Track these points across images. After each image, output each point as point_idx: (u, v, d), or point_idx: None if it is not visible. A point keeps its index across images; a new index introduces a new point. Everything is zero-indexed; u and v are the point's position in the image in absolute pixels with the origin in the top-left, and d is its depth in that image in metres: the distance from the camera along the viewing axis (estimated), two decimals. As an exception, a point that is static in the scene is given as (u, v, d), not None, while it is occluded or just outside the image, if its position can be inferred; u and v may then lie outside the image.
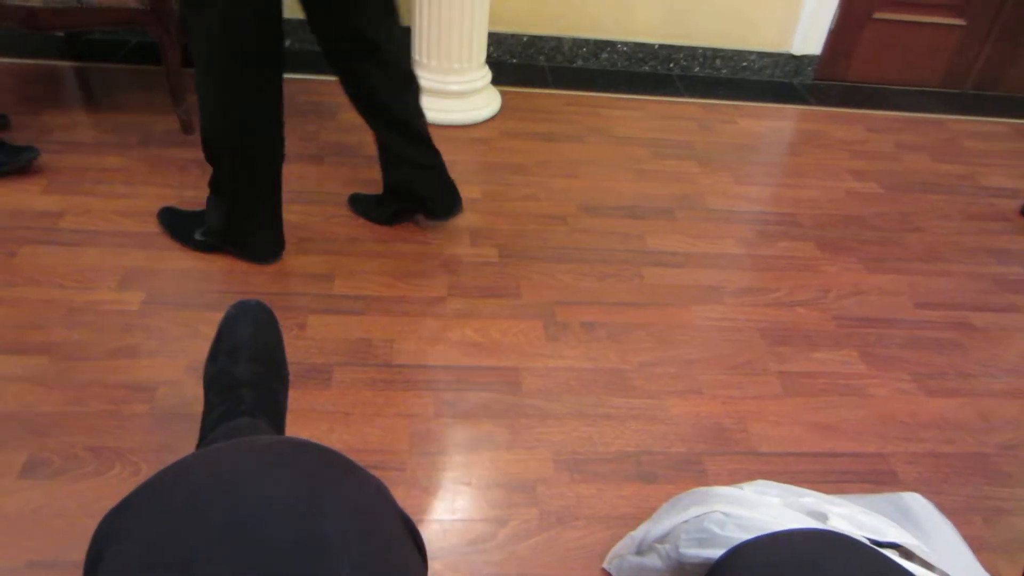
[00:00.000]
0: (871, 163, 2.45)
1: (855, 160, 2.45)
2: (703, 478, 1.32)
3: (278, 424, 1.11)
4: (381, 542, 0.53)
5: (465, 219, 1.92)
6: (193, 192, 1.89)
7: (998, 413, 1.54)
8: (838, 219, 2.12)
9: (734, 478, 1.32)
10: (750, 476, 1.33)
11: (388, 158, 1.75)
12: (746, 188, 2.22)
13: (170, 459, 1.26)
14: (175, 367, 1.42)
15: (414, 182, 1.76)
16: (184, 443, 1.27)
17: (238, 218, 1.64)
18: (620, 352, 1.57)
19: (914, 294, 1.86)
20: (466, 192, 2.03)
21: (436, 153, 1.74)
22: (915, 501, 1.27)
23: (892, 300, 1.83)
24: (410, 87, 1.65)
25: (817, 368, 1.59)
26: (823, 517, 0.89)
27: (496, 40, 2.80)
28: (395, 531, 0.56)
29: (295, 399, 1.38)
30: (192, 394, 1.36)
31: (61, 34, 2.60)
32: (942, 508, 1.27)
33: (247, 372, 1.09)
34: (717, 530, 0.88)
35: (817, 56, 2.95)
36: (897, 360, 1.64)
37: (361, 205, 1.89)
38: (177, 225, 1.75)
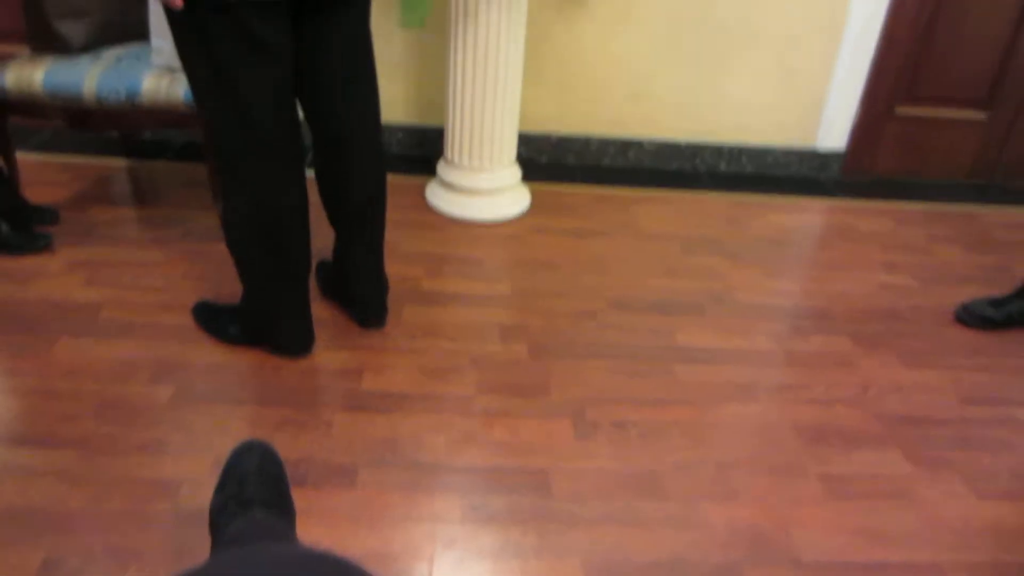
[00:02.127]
0: (903, 256, 2.42)
1: (886, 253, 2.43)
2: (743, 589, 1.26)
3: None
4: None
5: (494, 315, 1.92)
6: (229, 287, 1.93)
7: (1056, 520, 1.45)
8: (872, 313, 2.09)
9: (776, 589, 1.26)
10: (793, 587, 1.26)
11: (339, 253, 1.80)
12: (777, 283, 2.20)
13: (187, 563, 1.24)
14: (200, 463, 1.41)
15: (350, 284, 1.81)
16: (203, 547, 1.24)
17: (267, 312, 1.65)
18: (653, 452, 1.53)
19: (958, 390, 1.80)
20: (495, 288, 2.04)
21: (382, 276, 1.81)
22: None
23: (935, 397, 1.77)
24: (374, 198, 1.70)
25: (860, 470, 1.53)
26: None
27: (526, 140, 2.87)
28: None
29: (319, 500, 1.35)
30: (216, 493, 1.34)
31: (115, 134, 2.72)
32: (1003, 626, 1.19)
33: (257, 494, 1.09)
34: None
35: (842, 151, 2.97)
36: (945, 461, 1.57)
37: (321, 272, 1.95)
38: (211, 319, 1.77)
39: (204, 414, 1.52)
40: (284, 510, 1.14)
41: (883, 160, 3.02)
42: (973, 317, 2.05)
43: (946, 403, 1.75)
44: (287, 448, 1.45)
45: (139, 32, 2.15)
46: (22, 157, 2.24)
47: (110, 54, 2.06)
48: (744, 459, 1.53)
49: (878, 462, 1.55)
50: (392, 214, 2.35)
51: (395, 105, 2.81)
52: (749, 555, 1.31)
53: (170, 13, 1.32)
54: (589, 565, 1.27)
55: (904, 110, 2.91)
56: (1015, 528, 1.42)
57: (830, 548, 1.34)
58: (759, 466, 1.52)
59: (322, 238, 1.91)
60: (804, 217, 2.65)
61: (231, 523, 1.06)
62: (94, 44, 2.08)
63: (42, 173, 2.41)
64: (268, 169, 1.47)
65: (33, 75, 1.94)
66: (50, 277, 1.91)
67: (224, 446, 1.44)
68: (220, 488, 1.15)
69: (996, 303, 2.06)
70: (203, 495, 1.34)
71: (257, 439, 1.21)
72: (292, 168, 1.51)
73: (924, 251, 2.47)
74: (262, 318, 1.66)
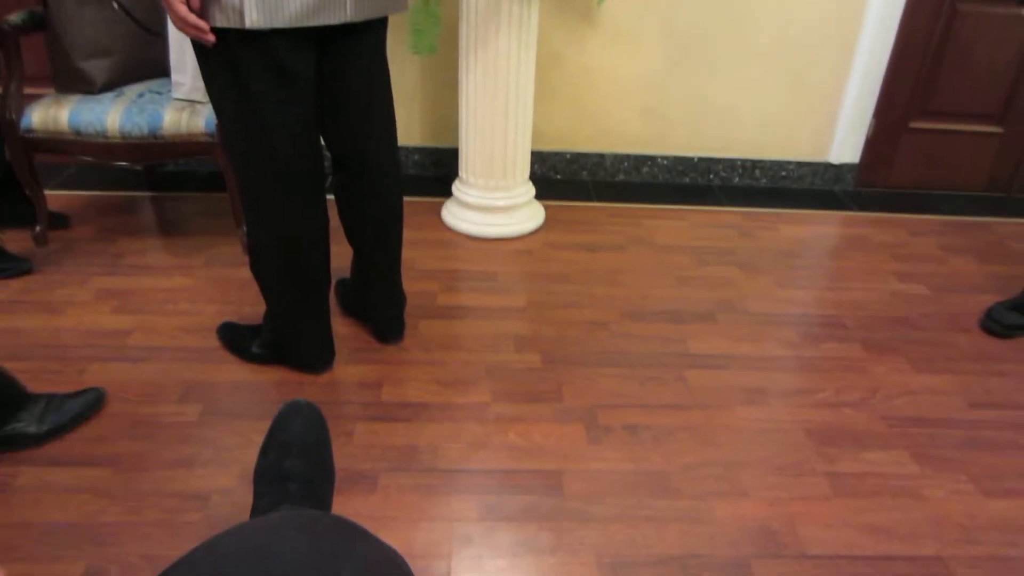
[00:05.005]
0: (916, 266, 2.44)
1: (899, 263, 2.45)
2: (752, 584, 1.29)
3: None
4: None
5: (509, 326, 1.98)
6: (251, 308, 2.00)
7: (1066, 515, 1.47)
8: (884, 320, 2.11)
9: (785, 584, 1.29)
10: (802, 582, 1.29)
11: (357, 271, 1.87)
12: (789, 292, 2.24)
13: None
14: (228, 475, 1.47)
15: (369, 301, 1.88)
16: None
17: (288, 330, 1.72)
18: (663, 454, 1.57)
19: (967, 394, 1.82)
20: (510, 301, 2.10)
21: (399, 292, 1.88)
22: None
23: (944, 400, 1.79)
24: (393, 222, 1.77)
25: (867, 469, 1.55)
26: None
27: (540, 158, 2.94)
28: None
29: (341, 504, 1.41)
30: (243, 502, 1.40)
31: (140, 168, 2.83)
32: (1010, 616, 1.21)
33: (295, 467, 1.15)
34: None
35: (856, 164, 3.00)
36: (952, 461, 1.59)
37: (339, 292, 2.03)
38: (235, 339, 1.84)
39: (230, 430, 1.59)
40: (323, 477, 1.20)
41: (898, 173, 3.04)
42: (1002, 326, 2.05)
43: (955, 406, 1.77)
44: (310, 457, 1.51)
45: (159, 69, 2.26)
46: (50, 194, 2.34)
47: (132, 90, 2.17)
48: (753, 460, 1.57)
49: (885, 462, 1.58)
50: (409, 233, 2.43)
51: (410, 127, 2.90)
52: (757, 549, 1.35)
53: (200, 47, 1.38)
54: (602, 560, 1.31)
55: (918, 123, 2.94)
56: (1019, 524, 1.44)
57: (836, 542, 1.37)
58: (768, 466, 1.55)
59: (341, 257, 1.98)
60: (817, 229, 2.68)
61: (267, 494, 1.14)
62: (117, 82, 2.19)
63: (69, 208, 2.51)
64: (291, 199, 1.54)
65: (59, 114, 2.05)
66: (81, 306, 1.99)
67: (250, 459, 1.50)
68: (263, 451, 1.21)
69: (1018, 307, 2.06)
70: (232, 504, 1.40)
71: (304, 400, 1.25)
72: (314, 195, 1.57)
73: (937, 261, 2.49)
74: (284, 336, 1.73)
